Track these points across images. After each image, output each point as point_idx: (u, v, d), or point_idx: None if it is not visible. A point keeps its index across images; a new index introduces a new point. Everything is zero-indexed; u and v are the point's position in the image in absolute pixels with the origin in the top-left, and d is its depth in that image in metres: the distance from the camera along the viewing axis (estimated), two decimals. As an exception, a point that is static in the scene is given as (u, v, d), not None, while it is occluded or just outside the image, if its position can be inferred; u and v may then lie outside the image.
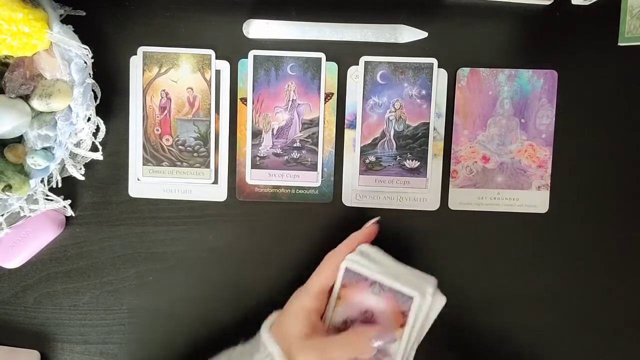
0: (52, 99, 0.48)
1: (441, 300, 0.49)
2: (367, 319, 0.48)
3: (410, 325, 0.47)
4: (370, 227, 0.51)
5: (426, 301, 0.47)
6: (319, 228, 0.55)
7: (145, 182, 0.55)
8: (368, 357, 0.48)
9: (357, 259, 0.49)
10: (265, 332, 0.48)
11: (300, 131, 0.55)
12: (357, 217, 0.55)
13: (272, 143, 0.55)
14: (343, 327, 0.49)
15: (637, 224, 0.55)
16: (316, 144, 0.55)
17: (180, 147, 0.55)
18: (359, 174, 0.55)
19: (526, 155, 0.55)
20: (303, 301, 0.48)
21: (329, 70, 0.54)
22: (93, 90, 0.51)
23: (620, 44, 0.53)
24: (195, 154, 0.55)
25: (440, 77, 0.54)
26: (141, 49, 0.54)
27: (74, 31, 0.49)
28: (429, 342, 0.50)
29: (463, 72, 0.54)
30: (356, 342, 0.46)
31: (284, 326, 0.48)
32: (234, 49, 0.54)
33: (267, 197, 0.55)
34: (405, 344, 0.47)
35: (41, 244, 0.54)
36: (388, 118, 0.55)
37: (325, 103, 0.55)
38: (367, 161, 0.55)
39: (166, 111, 0.55)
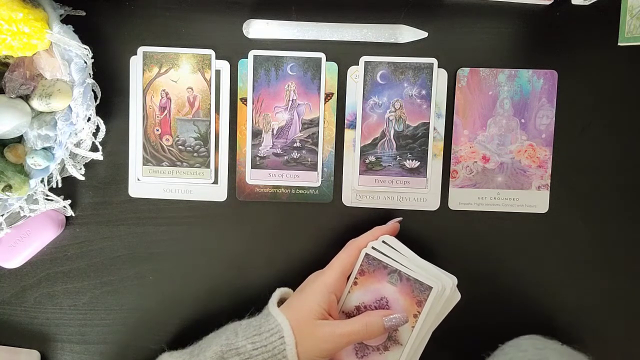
0: (52, 99, 0.48)
1: (456, 297, 0.49)
2: (382, 306, 0.49)
3: (425, 315, 0.47)
4: (393, 224, 0.53)
5: (444, 294, 0.48)
6: (319, 228, 0.55)
7: (145, 182, 0.55)
8: (377, 342, 0.48)
9: (378, 247, 0.50)
10: (273, 306, 0.48)
11: (300, 131, 0.55)
12: (357, 217, 0.55)
13: (272, 143, 0.55)
14: (355, 312, 0.50)
15: (637, 224, 0.55)
16: (316, 144, 0.55)
17: (180, 147, 0.55)
18: (359, 174, 0.55)
19: (526, 155, 0.55)
20: (326, 279, 0.49)
21: (329, 70, 0.54)
22: (93, 90, 0.51)
23: (620, 44, 0.53)
24: (195, 154, 0.55)
25: (440, 77, 0.54)
26: (141, 49, 0.54)
27: (74, 31, 0.49)
28: (430, 341, 0.50)
29: (463, 72, 0.54)
30: (367, 322, 0.47)
31: (298, 302, 0.48)
32: (234, 49, 0.54)
33: (267, 197, 0.55)
34: (416, 333, 0.48)
35: (41, 244, 0.54)
36: (388, 118, 0.55)
37: (325, 103, 0.55)
38: (367, 161, 0.55)
39: (166, 111, 0.55)
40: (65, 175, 0.53)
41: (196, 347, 0.49)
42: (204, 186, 0.55)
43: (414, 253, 0.50)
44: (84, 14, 0.52)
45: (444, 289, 0.48)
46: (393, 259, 0.49)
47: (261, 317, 0.48)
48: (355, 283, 0.50)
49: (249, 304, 0.53)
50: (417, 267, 0.49)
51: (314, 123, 0.55)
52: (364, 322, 0.47)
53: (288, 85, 0.54)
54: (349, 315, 0.50)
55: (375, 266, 0.49)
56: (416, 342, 0.48)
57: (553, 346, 0.49)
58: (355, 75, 0.54)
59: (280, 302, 0.50)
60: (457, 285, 0.50)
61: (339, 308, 0.50)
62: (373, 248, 0.50)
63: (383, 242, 0.50)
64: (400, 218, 0.54)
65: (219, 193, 0.55)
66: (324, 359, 0.47)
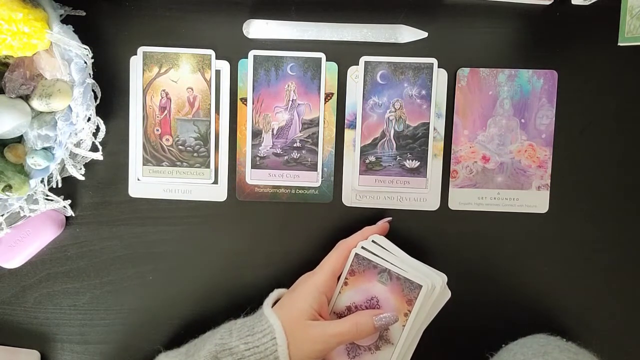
0: (52, 99, 0.48)
1: (447, 295, 0.49)
2: (372, 305, 0.49)
3: (415, 313, 0.47)
4: (383, 223, 0.53)
5: (434, 292, 0.48)
6: (319, 228, 0.55)
7: (145, 182, 0.55)
8: (369, 342, 0.48)
9: (368, 247, 0.50)
10: (267, 307, 0.49)
11: (300, 131, 0.55)
12: (357, 217, 0.55)
13: (272, 143, 0.55)
14: (346, 313, 0.50)
15: (637, 223, 0.55)
16: (316, 144, 0.55)
17: (180, 147, 0.55)
18: (359, 174, 0.55)
19: (526, 155, 0.55)
20: (316, 279, 0.49)
21: (329, 70, 0.54)
22: (93, 90, 0.51)
23: (620, 44, 0.53)
24: (195, 154, 0.55)
25: (440, 77, 0.54)
26: (141, 49, 0.54)
27: (74, 31, 0.49)
28: (428, 341, 0.50)
29: (463, 72, 0.54)
30: (357, 322, 0.47)
31: (289, 303, 0.48)
32: (234, 49, 0.54)
33: (267, 197, 0.55)
34: (407, 333, 0.48)
35: (41, 244, 0.54)
36: (388, 118, 0.55)
37: (325, 103, 0.55)
38: (367, 161, 0.55)
39: (166, 111, 0.55)
40: (65, 175, 0.53)
41: (192, 346, 0.49)
42: (204, 186, 0.55)
43: (403, 252, 0.50)
44: (84, 14, 0.52)
45: (433, 287, 0.48)
46: (383, 259, 0.49)
47: (255, 317, 0.49)
48: (345, 283, 0.50)
49: (249, 304, 0.53)
50: (407, 265, 0.49)
51: (314, 123, 0.55)
52: (354, 322, 0.47)
53: (288, 85, 0.54)
54: (340, 315, 0.50)
55: (365, 266, 0.49)
56: (407, 341, 0.48)
57: (556, 342, 0.49)
58: (355, 75, 0.54)
59: (277, 302, 0.50)
60: (456, 286, 0.50)
61: (330, 309, 0.50)
62: (363, 248, 0.50)
63: (373, 241, 0.51)
64: (390, 218, 0.54)
65: (219, 193, 0.55)
66: (315, 359, 0.47)
